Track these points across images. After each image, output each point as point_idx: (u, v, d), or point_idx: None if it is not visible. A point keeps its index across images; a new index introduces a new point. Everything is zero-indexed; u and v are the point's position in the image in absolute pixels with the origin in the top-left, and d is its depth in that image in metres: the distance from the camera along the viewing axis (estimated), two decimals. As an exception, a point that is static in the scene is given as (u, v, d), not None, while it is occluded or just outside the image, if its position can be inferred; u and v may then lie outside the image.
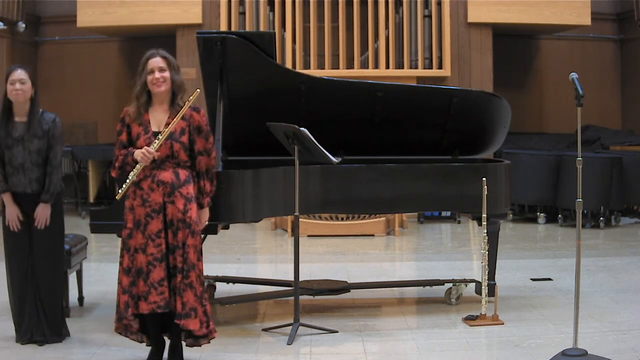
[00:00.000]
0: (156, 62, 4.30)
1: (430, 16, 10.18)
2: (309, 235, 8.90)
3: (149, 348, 4.42)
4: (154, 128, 4.32)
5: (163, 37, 9.86)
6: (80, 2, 10.47)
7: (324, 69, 10.03)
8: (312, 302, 5.79)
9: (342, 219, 9.04)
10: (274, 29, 9.94)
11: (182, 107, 4.30)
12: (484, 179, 5.35)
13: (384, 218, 9.07)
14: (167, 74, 4.30)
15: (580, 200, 4.43)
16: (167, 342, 4.45)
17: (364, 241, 8.77)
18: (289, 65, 9.93)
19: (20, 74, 4.66)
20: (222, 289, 6.02)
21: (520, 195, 9.90)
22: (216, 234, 5.03)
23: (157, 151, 4.24)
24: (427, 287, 6.09)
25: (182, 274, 4.25)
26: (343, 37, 10.16)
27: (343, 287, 5.80)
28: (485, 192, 5.32)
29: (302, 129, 4.85)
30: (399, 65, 10.21)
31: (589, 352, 4.29)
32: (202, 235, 4.88)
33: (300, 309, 5.06)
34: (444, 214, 10.23)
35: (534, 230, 9.65)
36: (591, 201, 9.22)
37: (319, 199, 5.36)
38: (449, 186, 5.57)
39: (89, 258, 6.58)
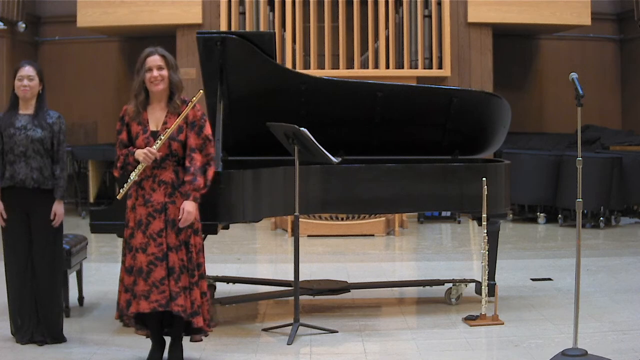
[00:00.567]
0: (154, 60, 4.30)
1: (430, 16, 10.18)
2: (309, 235, 8.90)
3: (149, 348, 4.42)
4: (152, 127, 4.32)
5: (163, 37, 9.85)
6: (80, 2, 10.47)
7: (324, 69, 10.03)
8: (312, 302, 5.79)
9: (342, 219, 9.04)
10: (274, 29, 9.94)
11: (180, 105, 4.30)
12: (484, 179, 5.35)
13: (384, 218, 9.07)
14: (165, 72, 4.30)
15: (580, 200, 4.42)
16: (167, 342, 4.46)
17: (364, 241, 8.77)
18: (289, 65, 9.93)
19: (28, 70, 4.70)
20: (222, 289, 6.02)
21: (520, 195, 9.90)
22: (216, 234, 5.02)
23: (158, 151, 4.24)
24: (427, 287, 6.09)
25: (188, 273, 4.26)
26: (343, 37, 10.16)
27: (343, 287, 5.80)
28: (485, 192, 5.32)
29: (302, 129, 4.85)
30: (399, 65, 10.21)
31: (589, 352, 4.29)
32: (203, 235, 4.88)
33: (300, 309, 5.06)
34: (444, 214, 10.23)
35: (534, 230, 9.65)
36: (591, 201, 9.22)
37: (319, 199, 5.36)
38: (449, 186, 5.57)
39: (89, 258, 6.58)
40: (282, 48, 10.05)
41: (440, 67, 10.17)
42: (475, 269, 7.13)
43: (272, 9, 10.17)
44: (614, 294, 6.07)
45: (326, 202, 5.42)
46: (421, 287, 6.18)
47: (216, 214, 4.79)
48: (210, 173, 4.36)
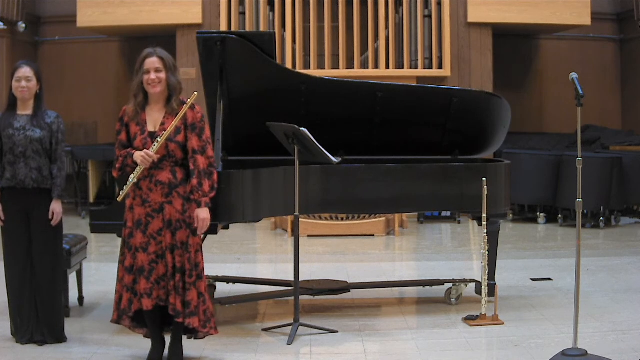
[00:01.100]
0: (152, 62, 4.30)
1: (430, 16, 10.18)
2: (309, 235, 8.90)
3: (149, 348, 4.43)
4: (150, 127, 4.32)
5: (163, 37, 9.85)
6: (80, 2, 10.47)
7: (324, 69, 10.03)
8: (312, 302, 5.79)
9: (342, 219, 9.04)
10: (274, 29, 9.94)
11: (177, 107, 4.30)
12: (484, 179, 5.35)
13: (384, 218, 9.07)
14: (162, 74, 4.30)
15: (580, 200, 4.42)
16: (167, 342, 4.46)
17: (364, 241, 8.77)
18: (289, 65, 9.93)
19: (26, 71, 4.70)
20: (222, 289, 6.02)
21: (520, 195, 9.90)
22: (216, 234, 5.02)
23: (156, 153, 4.25)
24: (427, 287, 6.09)
25: (186, 273, 4.27)
26: (343, 37, 10.16)
27: (343, 287, 5.80)
28: (485, 192, 5.32)
29: (302, 129, 4.85)
30: (399, 65, 10.21)
31: (589, 352, 4.29)
32: (202, 235, 4.88)
33: (300, 309, 5.06)
34: (444, 214, 10.23)
35: (534, 230, 9.65)
36: (591, 201, 9.22)
37: (319, 199, 5.36)
38: (449, 186, 5.57)
39: (89, 258, 6.58)
40: (282, 48, 10.05)
41: (440, 67, 10.17)
42: (475, 269, 7.13)
43: (272, 9, 10.17)
44: (614, 294, 6.07)
45: (326, 202, 5.41)
46: (421, 287, 6.18)
47: (216, 214, 4.78)
48: (215, 176, 4.39)
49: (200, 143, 4.32)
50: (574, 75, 4.44)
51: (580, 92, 4.37)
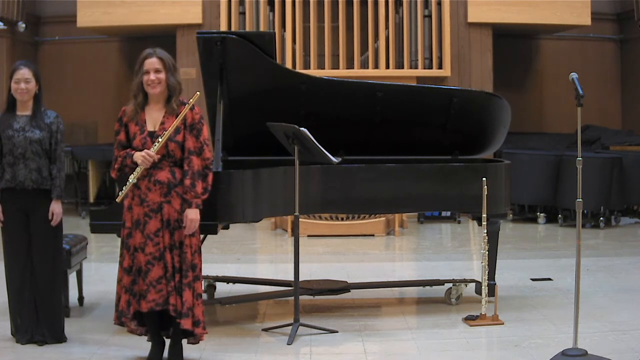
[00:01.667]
0: (152, 63, 4.30)
1: (430, 16, 10.18)
2: (309, 235, 8.90)
3: (149, 348, 4.43)
4: (149, 127, 4.33)
5: (163, 37, 9.86)
6: (80, 2, 10.47)
7: (324, 69, 10.03)
8: (312, 302, 5.79)
9: (342, 219, 9.04)
10: (274, 29, 9.94)
11: (177, 107, 4.30)
12: (484, 179, 5.35)
13: (384, 218, 9.07)
14: (162, 75, 4.30)
15: (580, 200, 4.42)
16: (167, 341, 4.46)
17: (364, 241, 8.77)
18: (289, 65, 9.93)
19: (24, 73, 4.69)
20: (222, 289, 6.02)
21: (520, 195, 9.90)
22: (216, 234, 5.02)
23: (156, 154, 4.24)
24: (427, 287, 6.09)
25: (181, 274, 4.27)
26: (343, 37, 10.16)
27: (343, 287, 5.80)
28: (485, 192, 5.32)
29: (302, 129, 4.85)
30: (399, 65, 10.20)
31: (589, 352, 4.29)
32: (202, 235, 4.88)
33: (300, 309, 5.06)
34: (444, 214, 10.23)
35: (534, 230, 9.65)
36: (591, 201, 9.22)
37: (319, 199, 5.36)
38: (449, 186, 5.57)
39: (89, 258, 6.58)
40: (282, 48, 10.05)
41: (440, 67, 10.16)
42: (475, 269, 7.13)
43: (272, 9, 10.16)
44: (614, 294, 6.07)
45: (326, 202, 5.41)
46: (421, 287, 6.18)
47: (216, 214, 4.79)
48: (210, 178, 4.38)
49: (197, 144, 4.32)
50: (574, 75, 4.44)
51: (580, 92, 4.37)
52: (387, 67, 10.16)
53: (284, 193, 5.14)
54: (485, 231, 5.35)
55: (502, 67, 11.34)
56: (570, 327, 4.46)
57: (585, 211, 9.45)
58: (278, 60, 6.91)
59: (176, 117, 4.29)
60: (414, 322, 5.40)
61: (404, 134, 5.91)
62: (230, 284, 6.02)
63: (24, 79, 4.69)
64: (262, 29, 10.02)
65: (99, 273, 6.93)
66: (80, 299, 5.75)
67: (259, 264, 7.92)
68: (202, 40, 5.21)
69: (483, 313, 5.25)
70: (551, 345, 4.66)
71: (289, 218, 8.80)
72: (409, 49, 10.20)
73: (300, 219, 5.11)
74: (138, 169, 4.25)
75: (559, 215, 9.80)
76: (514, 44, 12.05)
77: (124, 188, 4.32)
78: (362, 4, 10.23)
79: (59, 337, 4.78)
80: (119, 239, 4.44)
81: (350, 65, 10.24)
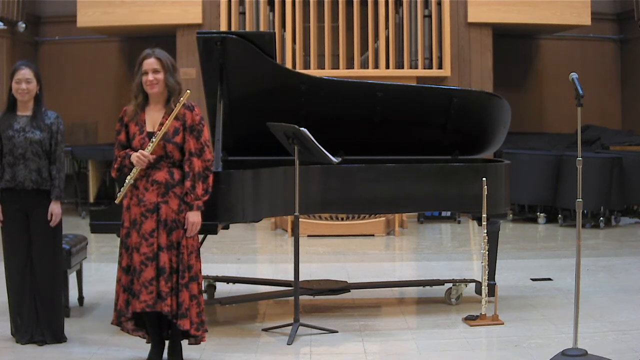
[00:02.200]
0: (150, 63, 4.30)
1: (430, 16, 10.18)
2: (309, 235, 8.90)
3: (149, 348, 4.43)
4: (148, 128, 4.33)
5: (163, 37, 9.85)
6: (80, 2, 10.47)
7: (324, 69, 10.03)
8: (312, 302, 5.79)
9: (342, 219, 9.04)
10: (274, 29, 9.94)
11: (175, 107, 4.30)
12: (484, 179, 5.35)
13: (384, 218, 9.07)
14: (160, 75, 4.30)
15: (580, 200, 4.43)
16: (166, 341, 4.46)
17: (364, 241, 8.77)
18: (289, 65, 9.93)
19: (25, 73, 4.69)
20: (222, 289, 6.02)
21: (520, 195, 9.90)
22: (216, 234, 5.02)
23: (151, 154, 4.25)
24: (427, 287, 6.09)
25: (178, 275, 4.26)
26: (343, 37, 10.16)
27: (343, 287, 5.80)
28: (485, 192, 5.32)
29: (302, 129, 4.85)
30: (399, 65, 10.20)
31: (589, 352, 4.29)
32: (202, 236, 4.88)
33: (300, 309, 5.06)
34: (444, 214, 10.23)
35: (534, 230, 9.65)
36: (591, 201, 9.22)
37: (319, 199, 5.36)
38: (449, 186, 5.57)
39: (89, 258, 6.58)
40: (282, 48, 10.05)
41: (440, 67, 10.16)
42: (475, 269, 7.13)
43: (272, 9, 10.16)
44: (614, 294, 6.08)
45: (326, 202, 5.41)
46: (421, 287, 6.18)
47: (216, 214, 4.79)
48: (211, 179, 4.38)
49: (198, 145, 4.31)
50: (574, 75, 4.44)
51: (580, 92, 4.37)
52: (387, 67, 10.16)
53: (284, 193, 5.14)
54: (485, 231, 5.35)
55: (502, 67, 11.34)
56: (570, 327, 4.47)
57: (585, 211, 9.45)
58: (278, 60, 6.91)
59: (176, 118, 4.28)
60: (414, 322, 5.40)
61: (404, 134, 5.92)
62: (230, 284, 6.02)
63: (24, 79, 4.69)
64: (262, 29, 10.02)
65: (99, 273, 6.93)
66: (80, 299, 5.75)
67: (259, 264, 7.92)
68: (202, 40, 5.21)
69: (483, 313, 5.25)
70: (551, 345, 4.66)
71: (289, 218, 8.80)
72: (409, 49, 10.20)
73: (300, 219, 5.11)
74: (135, 169, 4.26)
75: (559, 215, 9.80)
76: (514, 44, 12.05)
77: (122, 189, 4.33)
78: (362, 4, 10.23)
79: (59, 337, 4.78)
80: (119, 239, 4.44)
81: (350, 65, 10.24)
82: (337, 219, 9.03)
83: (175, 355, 4.39)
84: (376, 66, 10.18)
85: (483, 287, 5.29)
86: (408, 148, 5.95)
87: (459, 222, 10.12)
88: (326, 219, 9.01)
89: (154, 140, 4.24)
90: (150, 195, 4.27)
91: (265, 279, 6.42)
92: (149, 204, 4.26)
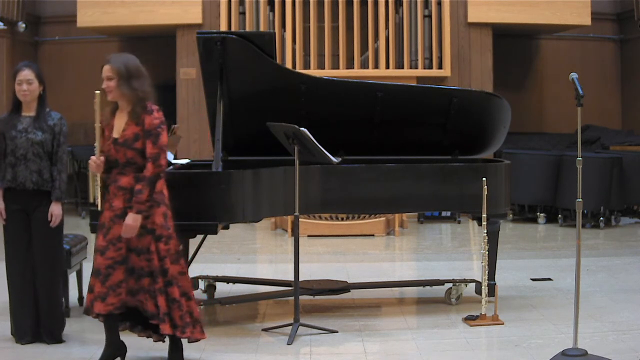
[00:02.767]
0: (105, 70, 4.30)
1: (430, 16, 10.18)
2: (309, 235, 8.90)
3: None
4: (114, 134, 4.31)
5: (163, 37, 9.86)
6: (80, 2, 10.46)
7: (324, 69, 10.02)
8: (312, 302, 5.79)
9: (342, 219, 9.04)
10: (274, 29, 9.94)
11: (140, 113, 4.23)
12: (484, 179, 5.35)
13: (384, 218, 9.07)
14: (112, 83, 4.26)
15: (580, 200, 4.43)
16: (166, 342, 4.46)
17: (364, 241, 8.77)
18: (289, 65, 9.92)
19: (27, 74, 4.70)
20: (222, 289, 6.02)
21: (520, 195, 9.90)
22: (216, 234, 5.02)
23: (98, 158, 4.27)
24: (427, 287, 6.09)
25: (150, 278, 4.22)
26: (343, 37, 10.15)
27: (343, 287, 5.80)
28: (485, 192, 5.32)
29: (302, 129, 4.85)
30: (399, 65, 10.20)
31: (589, 352, 4.29)
32: (202, 236, 4.87)
33: (300, 309, 5.06)
34: (444, 214, 10.23)
35: (534, 230, 9.65)
36: (591, 201, 9.22)
37: (319, 199, 5.36)
38: (449, 186, 5.57)
39: (89, 258, 6.54)
40: (282, 48, 10.05)
41: (440, 67, 10.16)
42: (475, 269, 7.13)
43: (272, 9, 10.16)
44: (614, 294, 6.08)
45: (326, 202, 5.42)
46: (421, 287, 6.18)
47: (216, 214, 4.79)
48: (160, 185, 4.26)
49: (154, 150, 4.21)
50: (574, 75, 4.44)
51: (580, 92, 4.37)
52: (387, 67, 10.15)
53: (284, 193, 5.14)
54: (485, 231, 5.35)
55: (502, 67, 11.34)
56: (570, 327, 4.47)
57: (585, 211, 9.45)
58: (278, 60, 6.90)
59: (137, 124, 4.24)
60: (414, 322, 5.40)
61: (404, 134, 5.92)
62: (230, 284, 6.02)
63: (26, 80, 4.70)
64: (262, 29, 10.02)
65: (99, 273, 6.91)
66: (80, 299, 5.75)
67: (259, 264, 7.92)
68: (202, 40, 5.21)
69: (483, 313, 5.25)
70: (551, 345, 4.66)
71: (289, 218, 8.80)
72: (409, 49, 10.20)
73: (300, 219, 5.11)
74: (92, 175, 4.29)
75: (559, 215, 9.80)
76: (514, 44, 12.05)
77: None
78: (362, 4, 10.23)
79: (58, 337, 4.78)
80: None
81: (350, 65, 10.24)
82: (337, 219, 9.03)
83: (175, 355, 4.39)
84: (376, 66, 10.18)
85: (483, 287, 5.29)
86: (408, 148, 5.95)
87: (459, 222, 10.12)
88: (326, 219, 9.01)
89: (95, 145, 4.28)
90: (118, 201, 4.25)
91: (265, 279, 6.43)
92: (117, 209, 4.24)
